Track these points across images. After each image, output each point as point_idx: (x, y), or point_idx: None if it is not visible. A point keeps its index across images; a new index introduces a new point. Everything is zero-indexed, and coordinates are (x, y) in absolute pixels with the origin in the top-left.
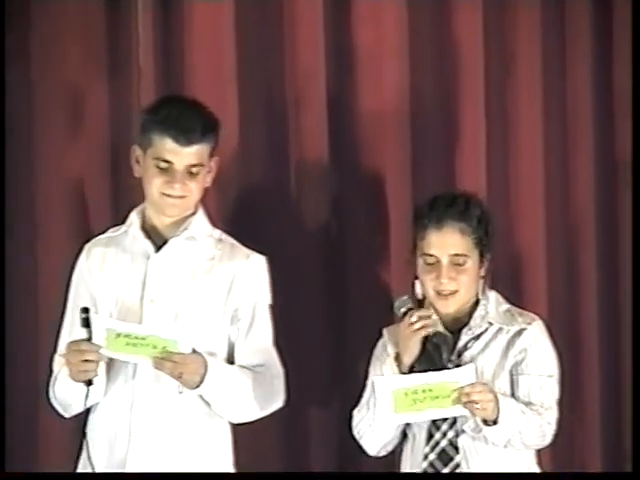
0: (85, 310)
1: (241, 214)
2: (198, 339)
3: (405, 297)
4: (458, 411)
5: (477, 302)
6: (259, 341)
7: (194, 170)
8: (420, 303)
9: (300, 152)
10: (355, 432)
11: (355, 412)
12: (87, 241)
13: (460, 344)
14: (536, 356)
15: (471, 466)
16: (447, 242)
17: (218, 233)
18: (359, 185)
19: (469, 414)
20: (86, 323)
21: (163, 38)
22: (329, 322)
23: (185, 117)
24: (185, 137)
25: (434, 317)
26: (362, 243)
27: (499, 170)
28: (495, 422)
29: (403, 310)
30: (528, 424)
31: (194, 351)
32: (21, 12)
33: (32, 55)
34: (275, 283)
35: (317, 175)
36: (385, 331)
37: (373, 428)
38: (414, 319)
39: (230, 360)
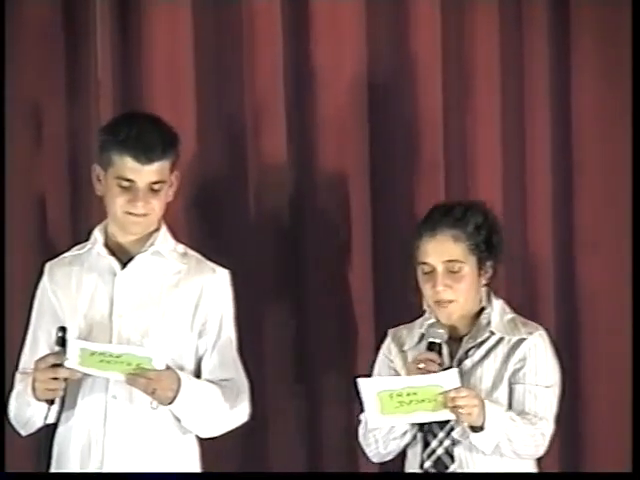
0: (62, 329)
1: (201, 222)
2: (168, 353)
3: (434, 322)
4: (445, 415)
5: (482, 310)
6: (226, 354)
7: (156, 187)
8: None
9: (259, 161)
10: (361, 440)
11: (362, 417)
12: (48, 260)
13: (461, 351)
14: (534, 366)
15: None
16: (440, 249)
17: (182, 247)
18: (318, 188)
19: (454, 418)
20: (62, 342)
21: (121, 52)
22: (290, 328)
23: (145, 135)
24: (146, 156)
25: (444, 335)
26: (322, 246)
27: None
28: (482, 428)
29: (430, 340)
30: (518, 432)
31: (167, 367)
32: None
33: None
34: (237, 291)
35: (275, 180)
36: (390, 332)
37: (377, 438)
38: (421, 366)
39: (197, 373)
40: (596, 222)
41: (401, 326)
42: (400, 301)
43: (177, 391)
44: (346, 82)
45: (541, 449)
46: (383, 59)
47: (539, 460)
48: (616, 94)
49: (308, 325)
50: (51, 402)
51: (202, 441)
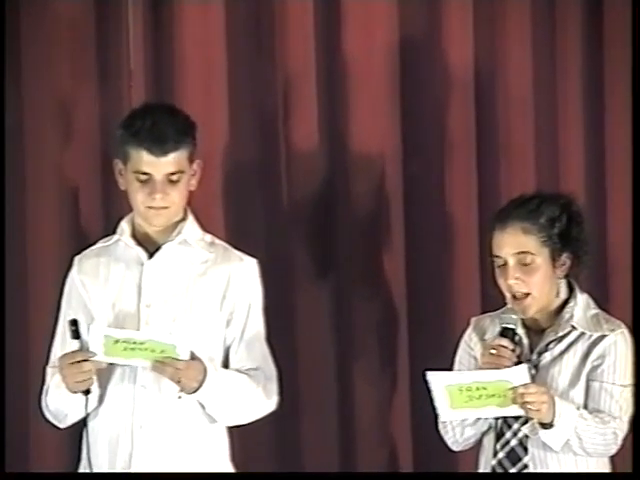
0: (74, 322)
1: (233, 210)
2: (195, 342)
3: (508, 309)
4: (514, 411)
5: (566, 303)
6: (253, 344)
7: (174, 178)
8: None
9: (290, 149)
10: (441, 428)
11: None
12: (77, 253)
13: (542, 344)
14: (612, 364)
15: (538, 469)
16: (510, 241)
17: (209, 237)
18: (350, 174)
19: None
20: (76, 335)
21: (153, 42)
22: (323, 317)
23: (158, 127)
24: (159, 148)
25: (517, 321)
26: (355, 233)
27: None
28: (551, 425)
29: (503, 326)
30: (588, 430)
31: (193, 356)
32: (12, 20)
33: (23, 62)
34: (268, 280)
35: (307, 167)
36: (472, 321)
37: (453, 425)
38: (493, 351)
39: (225, 362)
40: None
41: (484, 315)
42: (433, 286)
43: (202, 381)
44: (377, 67)
45: (613, 448)
46: (414, 44)
47: (612, 459)
48: None
49: (342, 313)
50: (87, 392)
51: (231, 430)
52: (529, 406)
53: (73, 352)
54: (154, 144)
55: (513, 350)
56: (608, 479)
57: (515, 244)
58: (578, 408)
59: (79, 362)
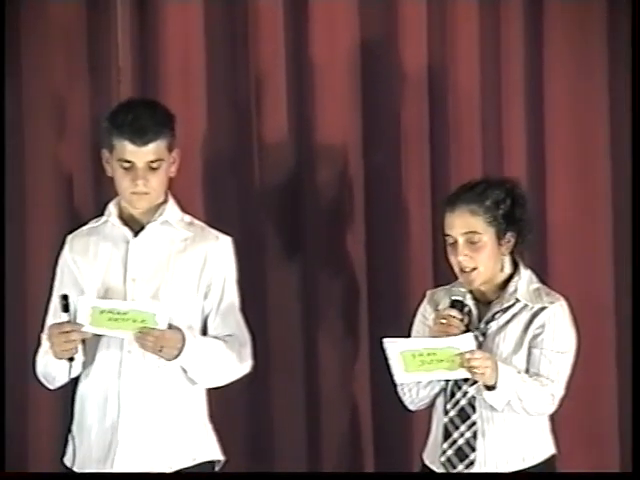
0: (65, 297)
1: (210, 194)
2: (176, 313)
3: (457, 283)
4: (461, 374)
5: (511, 278)
6: (228, 313)
7: (154, 165)
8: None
9: (262, 140)
10: (399, 390)
11: None
12: (69, 232)
13: (489, 315)
14: (552, 332)
15: (486, 425)
16: (459, 222)
17: (188, 217)
18: (316, 162)
19: (470, 377)
20: (66, 308)
21: (139, 42)
22: (291, 289)
23: (139, 120)
24: (140, 138)
25: (466, 294)
26: (320, 215)
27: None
28: (494, 387)
29: (453, 298)
30: (528, 392)
31: (171, 326)
32: (11, 23)
33: (22, 61)
34: (241, 257)
35: (278, 156)
36: (427, 293)
37: (410, 387)
38: (444, 321)
39: (203, 330)
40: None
41: (438, 288)
42: (391, 262)
43: (182, 348)
44: (340, 66)
45: (550, 408)
46: (373, 44)
47: (552, 425)
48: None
49: (308, 286)
50: (71, 359)
51: (209, 391)
52: (474, 370)
53: (61, 323)
54: (136, 135)
55: (461, 320)
56: (608, 479)
57: (464, 224)
58: (519, 372)
59: (66, 332)
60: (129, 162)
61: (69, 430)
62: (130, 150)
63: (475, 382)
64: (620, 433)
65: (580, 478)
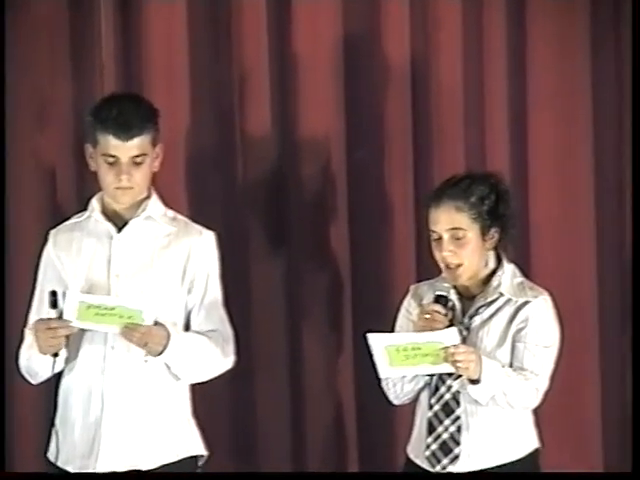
0: (54, 293)
1: (194, 189)
2: (160, 308)
3: (441, 278)
4: (445, 368)
5: (494, 272)
6: (212, 309)
7: (138, 160)
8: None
9: (246, 135)
10: (383, 385)
11: None
12: (51, 228)
13: (472, 309)
14: (535, 327)
15: (470, 420)
16: (444, 218)
17: (172, 212)
18: (299, 158)
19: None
20: (54, 305)
21: (123, 38)
22: (275, 284)
23: (123, 115)
24: (125, 133)
25: (450, 289)
26: (304, 210)
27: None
28: (478, 381)
29: (437, 293)
30: (512, 386)
31: (156, 322)
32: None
33: (7, 59)
34: (225, 252)
35: (261, 151)
36: (411, 288)
37: (394, 382)
38: (427, 316)
39: (187, 325)
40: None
41: (422, 282)
42: (374, 257)
43: (166, 345)
44: (323, 61)
45: (534, 402)
46: (356, 39)
47: (536, 419)
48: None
49: (292, 281)
50: (55, 354)
51: (193, 387)
52: (458, 364)
53: (49, 319)
54: (120, 130)
55: (445, 315)
56: (608, 479)
57: (449, 221)
58: (503, 366)
59: (53, 328)
60: (113, 157)
61: (52, 424)
62: (114, 145)
63: (459, 376)
64: (603, 427)
65: (580, 478)
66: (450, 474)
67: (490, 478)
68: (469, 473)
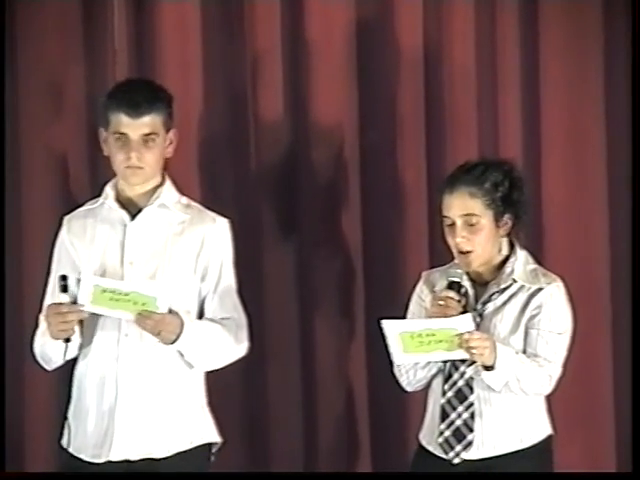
0: (63, 278)
1: (207, 175)
2: (173, 295)
3: (454, 264)
4: (460, 355)
5: (507, 259)
6: (225, 296)
7: (149, 139)
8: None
9: (258, 121)
10: (396, 371)
11: None
12: (66, 213)
13: (486, 296)
14: (549, 313)
15: (483, 406)
16: (458, 204)
17: (185, 199)
18: (312, 143)
19: (468, 358)
20: (65, 289)
21: (136, 25)
22: (288, 271)
23: (134, 93)
24: (135, 110)
25: (462, 275)
26: (316, 195)
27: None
28: (493, 367)
29: (450, 280)
30: (526, 373)
31: (170, 311)
32: (11, 9)
33: (18, 43)
34: (238, 239)
35: (273, 136)
36: (423, 275)
37: (407, 368)
38: (441, 302)
39: (200, 312)
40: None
41: (434, 269)
42: (387, 243)
43: (180, 333)
44: (336, 46)
45: (547, 388)
46: (369, 25)
47: (549, 406)
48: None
49: (304, 268)
50: (67, 340)
51: (207, 374)
52: (473, 350)
53: (59, 303)
54: (131, 108)
55: (459, 301)
56: (608, 479)
57: (462, 207)
58: (517, 353)
59: (64, 313)
60: (123, 134)
61: (66, 411)
62: (125, 122)
63: (472, 363)
64: (616, 413)
65: (580, 478)
66: (452, 474)
67: (490, 478)
68: (470, 473)
